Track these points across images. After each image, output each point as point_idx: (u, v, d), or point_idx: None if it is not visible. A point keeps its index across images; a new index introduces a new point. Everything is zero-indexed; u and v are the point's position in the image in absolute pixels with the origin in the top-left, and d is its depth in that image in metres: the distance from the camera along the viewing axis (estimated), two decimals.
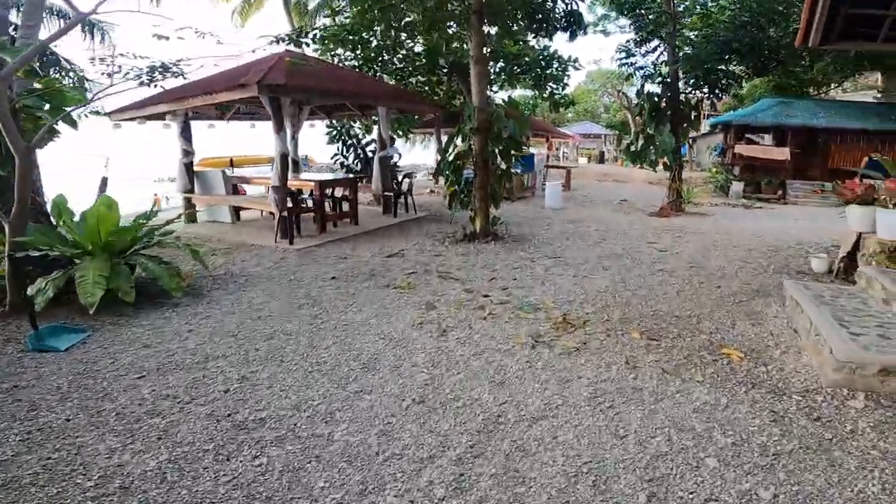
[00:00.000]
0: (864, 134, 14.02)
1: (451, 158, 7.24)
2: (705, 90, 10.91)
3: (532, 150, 16.41)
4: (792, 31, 10.38)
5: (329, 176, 11.22)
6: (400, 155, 13.83)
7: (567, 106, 14.42)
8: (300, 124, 10.82)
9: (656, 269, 6.19)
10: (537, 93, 15.68)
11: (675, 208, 10.86)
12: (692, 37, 11.41)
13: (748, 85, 20.85)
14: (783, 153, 14.70)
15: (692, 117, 10.50)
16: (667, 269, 6.25)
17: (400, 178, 11.17)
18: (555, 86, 14.80)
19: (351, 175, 11.50)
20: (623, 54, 11.21)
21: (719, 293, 5.24)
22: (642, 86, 10.91)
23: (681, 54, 10.64)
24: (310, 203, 8.59)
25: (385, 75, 14.50)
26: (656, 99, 10.40)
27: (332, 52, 12.28)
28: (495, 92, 17.34)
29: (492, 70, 15.94)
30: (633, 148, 10.61)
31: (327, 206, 8.80)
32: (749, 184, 15.36)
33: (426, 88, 14.12)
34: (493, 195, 7.68)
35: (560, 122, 40.01)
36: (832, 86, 21.06)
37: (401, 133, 15.93)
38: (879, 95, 18.28)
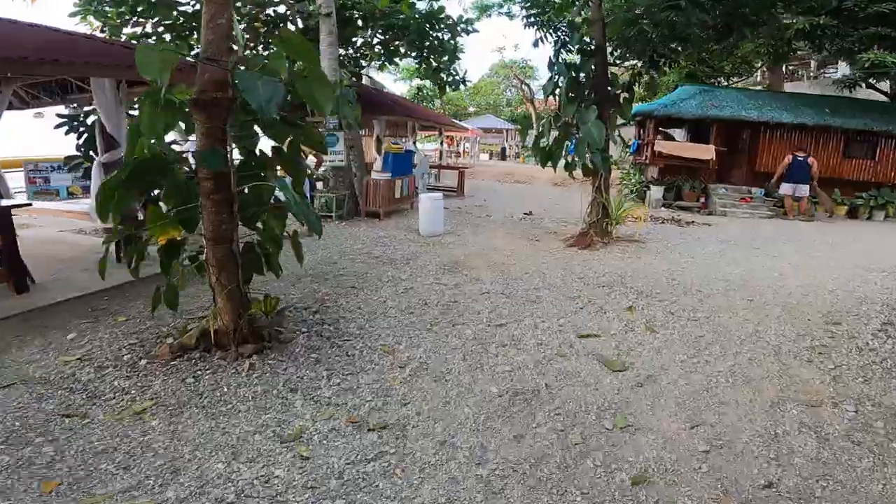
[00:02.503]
0: (799, 130, 11.85)
1: (124, 175, 2.93)
2: (642, 61, 7.69)
3: (409, 145, 12.47)
4: None
5: None
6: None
7: (456, 86, 10.74)
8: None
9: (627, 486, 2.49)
10: (422, 69, 11.84)
11: (600, 232, 7.54)
12: None
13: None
14: (708, 151, 12.20)
15: (621, 100, 7.20)
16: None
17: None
18: (442, 60, 11.00)
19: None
20: (530, 4, 7.56)
21: None
22: (556, 52, 7.39)
23: (609, 5, 7.25)
24: None
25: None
26: (574, 73, 6.92)
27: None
28: (362, 67, 13.20)
29: (357, 38, 11.77)
30: (543, 142, 7.05)
31: None
32: (669, 189, 12.75)
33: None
34: (255, 254, 3.56)
35: (461, 115, 36.85)
36: (733, 78, 19.62)
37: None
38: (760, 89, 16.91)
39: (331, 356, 3.53)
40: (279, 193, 3.13)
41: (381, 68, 15.24)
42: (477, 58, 57.13)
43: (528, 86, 32.11)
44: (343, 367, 3.40)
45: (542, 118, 6.59)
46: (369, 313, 4.41)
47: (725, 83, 17.90)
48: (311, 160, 9.74)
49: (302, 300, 4.66)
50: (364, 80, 21.67)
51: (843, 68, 16.98)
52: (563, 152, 7.17)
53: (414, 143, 15.04)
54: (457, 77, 10.55)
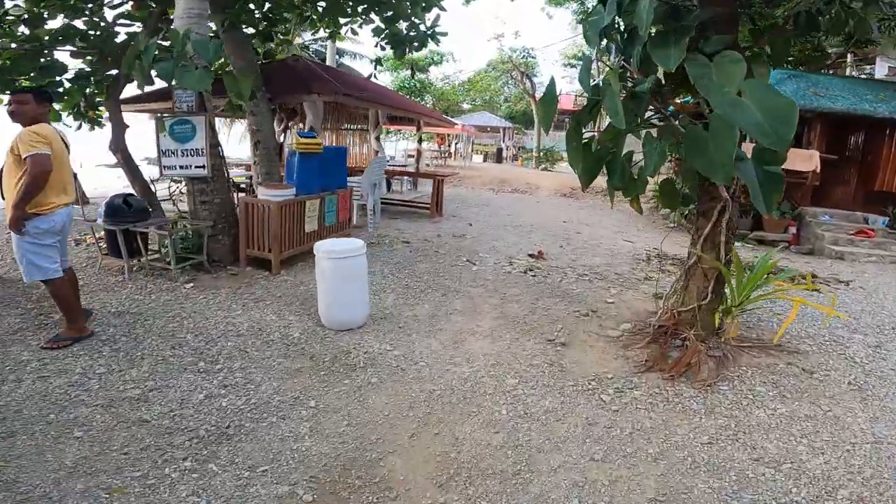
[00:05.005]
0: None
1: None
2: None
3: (374, 143, 8.28)
4: None
5: None
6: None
7: (422, 45, 6.59)
8: None
9: None
10: (381, 42, 7.69)
11: (705, 329, 3.41)
12: None
13: None
14: (810, 159, 8.14)
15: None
16: None
17: None
18: (413, 24, 6.81)
19: None
20: None
21: None
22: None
23: None
24: None
25: None
26: None
27: None
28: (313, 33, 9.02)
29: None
30: (588, 138, 2.92)
31: None
32: (743, 213, 8.66)
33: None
34: None
35: (453, 111, 32.72)
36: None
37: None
38: None
39: None
40: None
41: (332, 38, 11.01)
42: (473, 47, 52.72)
43: (529, 79, 27.98)
44: None
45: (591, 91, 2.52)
46: None
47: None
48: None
49: None
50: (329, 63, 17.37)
51: None
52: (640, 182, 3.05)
53: (377, 138, 10.88)
54: (421, 29, 6.39)
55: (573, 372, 3.35)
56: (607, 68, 3.33)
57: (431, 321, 4.04)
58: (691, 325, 3.49)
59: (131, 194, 4.95)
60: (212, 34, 6.48)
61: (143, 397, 2.87)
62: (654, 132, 2.91)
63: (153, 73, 4.48)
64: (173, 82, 4.40)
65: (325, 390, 3.01)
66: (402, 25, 6.54)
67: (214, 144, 4.99)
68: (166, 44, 5.26)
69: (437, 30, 6.45)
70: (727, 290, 3.55)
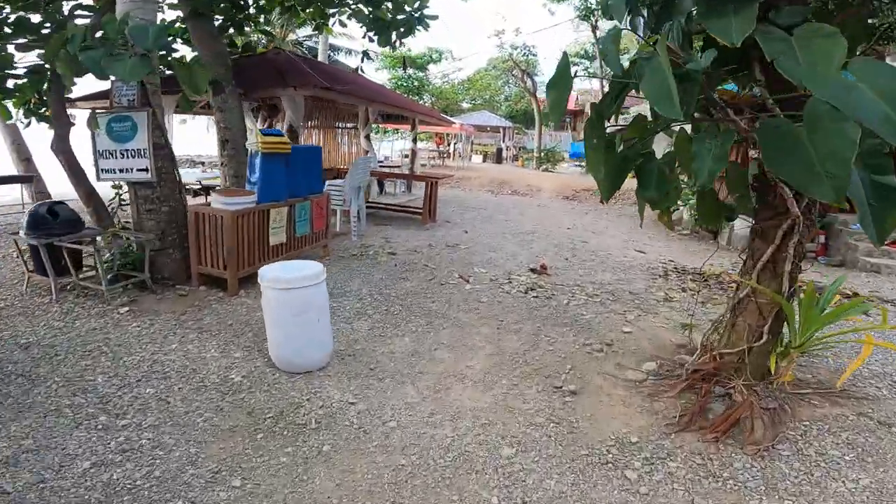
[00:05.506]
0: None
1: None
2: None
3: (363, 142, 7.56)
4: None
5: None
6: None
7: (409, 32, 5.86)
8: None
9: None
10: (363, 27, 7.02)
11: (754, 375, 2.68)
12: None
13: None
14: None
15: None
16: None
17: None
18: (398, 4, 6.08)
19: None
20: None
21: None
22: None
23: None
24: None
25: None
26: None
27: None
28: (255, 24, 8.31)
29: None
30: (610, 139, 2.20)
31: None
32: None
33: None
34: None
35: (452, 110, 32.01)
36: None
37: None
38: None
39: None
40: None
41: (319, 30, 10.28)
42: (472, 44, 51.97)
43: (531, 77, 27.22)
44: None
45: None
46: None
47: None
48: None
49: None
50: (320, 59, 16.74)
51: None
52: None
53: (367, 137, 10.15)
54: (407, 10, 5.64)
55: (587, 434, 2.60)
56: (638, 42, 2.59)
57: (410, 360, 3.30)
58: (738, 369, 2.75)
59: (61, 202, 4.20)
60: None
61: (12, 460, 2.15)
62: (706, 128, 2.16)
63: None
64: (107, 73, 3.67)
65: (260, 462, 2.27)
66: (389, 6, 5.80)
67: (161, 144, 4.26)
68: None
69: (425, 13, 5.70)
70: (786, 327, 2.81)
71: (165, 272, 4.42)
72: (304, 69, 7.02)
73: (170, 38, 5.86)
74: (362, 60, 8.08)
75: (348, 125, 12.18)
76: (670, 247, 7.44)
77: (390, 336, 3.64)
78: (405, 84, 28.14)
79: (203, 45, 5.61)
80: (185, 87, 4.38)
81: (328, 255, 5.49)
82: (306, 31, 22.71)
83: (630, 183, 2.63)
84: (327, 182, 6.52)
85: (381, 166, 11.13)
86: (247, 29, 7.89)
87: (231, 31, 7.02)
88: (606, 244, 7.31)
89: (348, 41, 21.25)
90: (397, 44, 8.56)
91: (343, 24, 8.43)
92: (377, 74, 30.21)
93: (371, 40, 7.76)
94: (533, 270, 5.40)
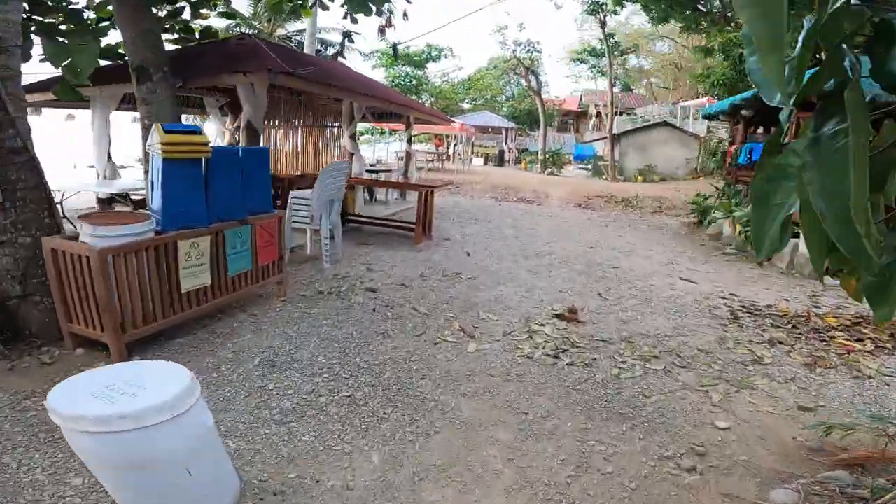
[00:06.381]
0: None
1: None
2: None
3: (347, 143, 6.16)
4: None
5: None
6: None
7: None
8: None
9: None
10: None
11: None
12: None
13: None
14: None
15: None
16: None
17: None
18: None
19: None
20: None
21: None
22: None
23: None
24: None
25: None
26: None
27: None
28: None
29: None
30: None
31: None
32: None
33: None
34: None
35: (452, 110, 30.65)
36: None
37: None
38: None
39: None
40: None
41: (295, 13, 8.95)
42: (473, 41, 50.40)
43: (535, 76, 25.84)
44: None
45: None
46: None
47: None
48: None
49: None
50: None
51: None
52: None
53: (352, 137, 8.73)
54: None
55: None
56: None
57: None
58: None
59: None
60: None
61: None
62: None
63: None
64: None
65: None
66: None
67: (16, 149, 2.86)
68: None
69: None
70: None
71: (33, 326, 3.02)
72: (267, 53, 5.62)
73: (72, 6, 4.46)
74: (342, 44, 6.68)
75: (334, 124, 10.80)
76: (719, 271, 6.03)
77: (349, 451, 2.22)
78: (402, 82, 26.75)
79: (130, 23, 4.23)
80: (65, 72, 3.02)
81: (283, 296, 4.07)
82: (298, 25, 21.33)
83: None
84: (291, 194, 5.10)
85: (370, 171, 9.71)
86: (204, 11, 6.49)
87: (187, 13, 5.69)
88: (642, 269, 5.89)
89: (337, 36, 19.85)
90: (386, 29, 7.17)
91: (325, 8, 7.04)
92: (374, 73, 28.82)
93: (353, 21, 6.45)
94: (559, 317, 3.98)
